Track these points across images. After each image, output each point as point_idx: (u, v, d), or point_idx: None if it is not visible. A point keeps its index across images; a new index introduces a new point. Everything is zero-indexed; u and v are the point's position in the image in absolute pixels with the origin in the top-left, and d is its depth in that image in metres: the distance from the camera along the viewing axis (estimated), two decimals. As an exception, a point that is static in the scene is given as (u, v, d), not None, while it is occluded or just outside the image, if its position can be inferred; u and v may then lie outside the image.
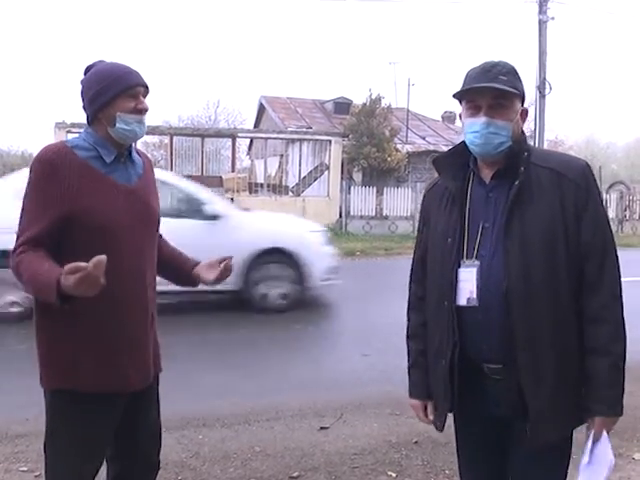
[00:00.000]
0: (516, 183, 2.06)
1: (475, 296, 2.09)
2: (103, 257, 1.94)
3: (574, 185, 2.06)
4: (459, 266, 2.14)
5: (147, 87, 2.37)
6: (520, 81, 2.14)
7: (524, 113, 2.17)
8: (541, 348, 2.05)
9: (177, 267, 2.69)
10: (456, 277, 2.13)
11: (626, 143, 57.02)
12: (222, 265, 2.58)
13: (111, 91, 2.26)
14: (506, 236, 2.06)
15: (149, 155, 2.71)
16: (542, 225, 2.04)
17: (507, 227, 2.06)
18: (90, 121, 2.34)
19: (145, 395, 2.50)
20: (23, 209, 2.25)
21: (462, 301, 2.11)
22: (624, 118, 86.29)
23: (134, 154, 2.45)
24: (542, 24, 19.90)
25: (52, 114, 57.51)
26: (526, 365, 2.05)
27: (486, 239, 2.11)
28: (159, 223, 2.55)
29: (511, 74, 2.10)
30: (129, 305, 2.34)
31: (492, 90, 2.05)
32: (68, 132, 17.11)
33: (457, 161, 2.24)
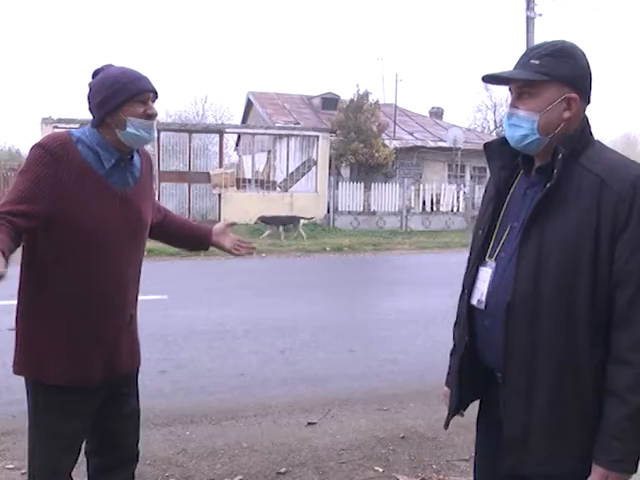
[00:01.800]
0: (547, 185, 1.84)
1: (484, 299, 1.98)
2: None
3: (616, 197, 1.75)
4: (481, 264, 2.03)
5: (156, 93, 2.40)
6: (566, 63, 1.86)
7: (570, 101, 1.87)
8: (537, 376, 1.86)
9: (189, 235, 2.88)
10: (476, 274, 2.04)
11: (612, 140, 57.27)
12: (245, 245, 2.90)
13: (121, 96, 2.28)
14: (522, 243, 1.87)
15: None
16: (565, 237, 1.80)
17: (526, 232, 1.87)
18: (97, 124, 2.34)
19: (122, 389, 2.54)
20: (13, 183, 2.23)
21: (474, 300, 2.03)
22: (610, 114, 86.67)
23: (135, 157, 2.46)
24: (530, 20, 19.94)
25: (39, 110, 57.20)
26: (514, 388, 1.90)
27: (509, 240, 1.95)
28: (148, 228, 2.55)
29: (551, 56, 1.85)
30: (104, 307, 2.36)
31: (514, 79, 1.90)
32: (55, 127, 16.96)
33: (511, 150, 1.99)
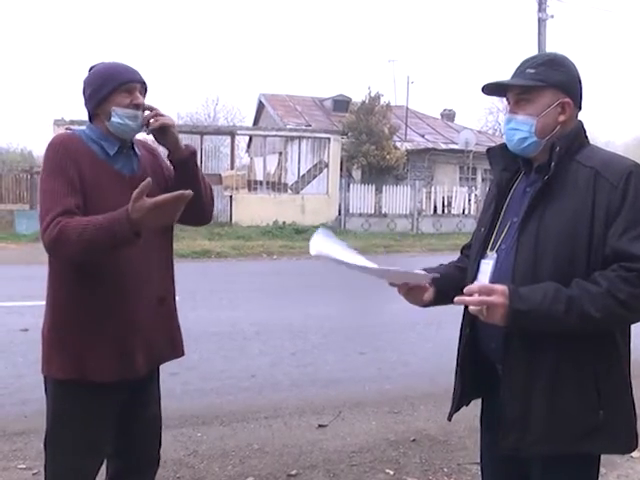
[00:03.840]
0: (545, 179, 1.96)
1: None
2: (188, 192, 2.02)
3: (609, 186, 1.88)
4: (482, 257, 2.12)
5: (144, 83, 2.42)
6: (559, 72, 2.02)
7: (565, 105, 2.02)
8: (536, 358, 1.94)
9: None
10: (478, 267, 2.12)
11: (624, 142, 56.99)
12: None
13: (107, 87, 2.33)
14: (521, 233, 1.98)
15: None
16: (561, 225, 1.91)
17: (524, 223, 1.98)
18: (91, 118, 2.42)
19: (145, 389, 2.53)
20: (44, 190, 2.24)
21: None
22: (623, 117, 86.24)
23: (136, 149, 2.48)
24: (541, 22, 19.91)
25: (51, 111, 57.50)
26: (514, 371, 1.97)
27: (509, 234, 2.05)
28: None
29: (545, 66, 2.02)
30: (132, 291, 2.34)
31: (513, 86, 2.04)
32: (67, 129, 16.96)
33: (512, 153, 2.12)
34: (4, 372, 5.66)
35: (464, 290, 1.89)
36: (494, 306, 1.84)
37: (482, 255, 2.13)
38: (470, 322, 2.13)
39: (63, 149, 2.29)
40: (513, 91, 2.05)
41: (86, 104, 2.41)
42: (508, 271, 1.99)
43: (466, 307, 2.11)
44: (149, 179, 2.05)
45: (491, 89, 2.12)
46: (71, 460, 2.38)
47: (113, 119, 2.33)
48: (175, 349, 2.59)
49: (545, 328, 1.88)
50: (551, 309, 1.82)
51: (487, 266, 2.08)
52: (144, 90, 2.43)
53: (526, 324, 1.87)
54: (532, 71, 2.02)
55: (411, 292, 2.23)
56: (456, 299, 1.92)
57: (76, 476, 2.41)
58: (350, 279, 12.65)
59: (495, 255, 2.08)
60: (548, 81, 2.00)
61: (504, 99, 2.13)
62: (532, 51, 19.64)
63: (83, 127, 2.44)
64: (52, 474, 2.42)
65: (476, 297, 1.86)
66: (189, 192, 2.03)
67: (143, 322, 2.39)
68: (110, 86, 2.33)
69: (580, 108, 2.08)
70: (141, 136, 2.52)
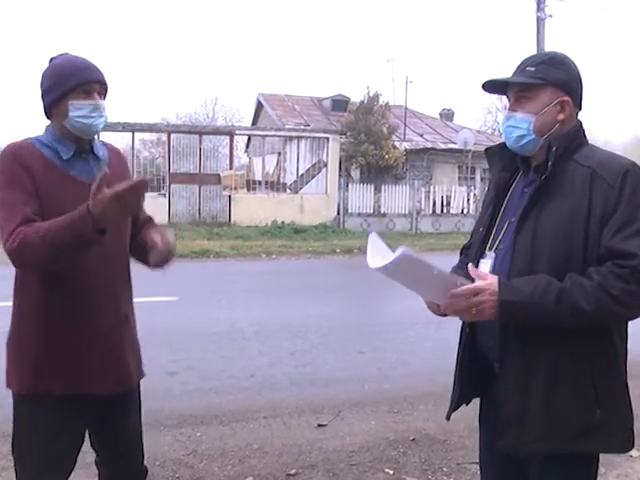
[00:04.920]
0: (542, 178, 1.97)
1: None
2: (148, 178, 1.91)
3: (606, 185, 1.88)
4: (481, 257, 2.13)
5: (103, 83, 2.29)
6: (559, 70, 2.02)
7: (564, 104, 2.02)
8: (533, 356, 1.94)
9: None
10: (477, 267, 2.09)
11: (623, 142, 57.00)
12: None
13: (62, 87, 2.20)
14: (519, 232, 1.99)
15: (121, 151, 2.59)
16: (557, 225, 1.91)
17: (521, 223, 1.99)
18: (45, 114, 2.29)
19: (123, 401, 2.42)
20: (1, 203, 2.13)
21: None
22: (621, 116, 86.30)
23: (97, 149, 2.34)
24: (540, 22, 19.91)
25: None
26: (512, 370, 1.97)
27: (507, 233, 2.06)
28: (128, 222, 2.38)
29: (545, 64, 2.02)
30: (96, 307, 2.25)
31: (513, 83, 2.05)
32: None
33: (510, 153, 2.13)
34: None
35: (449, 295, 1.89)
36: (482, 303, 1.86)
37: (481, 255, 2.13)
38: (470, 322, 2.12)
39: (13, 158, 2.16)
40: (513, 89, 2.06)
41: (41, 99, 2.26)
42: (505, 270, 1.99)
43: None
44: (105, 168, 1.96)
45: (491, 87, 2.13)
46: (29, 475, 2.29)
47: (71, 113, 2.20)
48: (137, 371, 2.45)
49: (537, 320, 1.88)
50: (542, 300, 1.83)
51: (485, 266, 2.09)
52: (104, 91, 2.29)
53: (516, 315, 1.88)
54: (532, 69, 2.02)
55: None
56: (445, 310, 1.96)
57: None
58: (348, 279, 12.59)
59: (493, 255, 2.09)
60: (548, 79, 2.00)
61: (503, 98, 2.14)
62: (531, 50, 19.65)
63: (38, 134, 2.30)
64: None
65: (462, 303, 1.88)
66: (148, 178, 1.95)
67: (105, 338, 2.28)
68: (66, 86, 2.19)
69: (580, 107, 2.08)
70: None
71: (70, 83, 2.20)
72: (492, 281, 1.89)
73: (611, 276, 1.81)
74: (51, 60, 2.31)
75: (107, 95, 2.32)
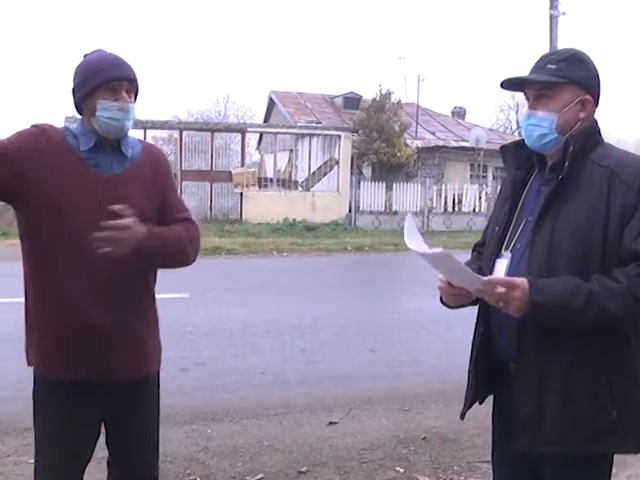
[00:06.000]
0: (559, 178, 1.96)
1: None
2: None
3: (624, 186, 1.88)
4: (497, 256, 2.11)
5: (133, 81, 2.28)
6: (580, 68, 2.01)
7: (585, 102, 2.01)
8: (550, 357, 1.94)
9: None
10: (493, 266, 2.10)
11: (636, 140, 56.53)
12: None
13: (91, 83, 2.21)
14: (536, 232, 1.98)
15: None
16: (576, 224, 1.90)
17: (539, 222, 1.98)
18: (76, 109, 2.33)
19: (139, 390, 2.41)
20: None
21: None
22: (635, 114, 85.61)
23: (127, 146, 2.33)
24: (553, 19, 19.80)
25: (63, 108, 57.70)
26: (528, 371, 1.97)
27: (524, 233, 2.04)
28: (141, 216, 2.26)
29: (566, 62, 2.00)
30: (87, 300, 2.23)
31: (534, 81, 2.02)
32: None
33: (526, 151, 2.12)
34: (15, 366, 5.68)
35: (487, 280, 1.88)
36: (512, 299, 1.85)
37: (497, 254, 2.12)
38: (485, 320, 2.13)
39: (35, 128, 2.24)
40: (533, 87, 2.03)
41: (72, 95, 2.29)
42: (523, 270, 1.97)
43: (481, 306, 2.11)
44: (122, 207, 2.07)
45: (510, 84, 2.10)
46: (48, 461, 2.34)
47: (98, 113, 2.21)
48: (137, 368, 2.38)
49: (561, 321, 1.87)
50: (571, 302, 1.82)
51: (502, 265, 2.07)
52: (133, 89, 2.29)
53: (543, 316, 1.86)
54: (553, 67, 1.99)
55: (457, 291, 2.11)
56: (476, 292, 1.92)
57: (51, 474, 2.35)
58: (359, 277, 12.60)
59: (510, 254, 2.07)
60: (570, 77, 1.99)
61: (515, 96, 2.13)
62: (544, 48, 19.57)
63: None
64: (35, 473, 2.39)
65: (499, 290, 1.85)
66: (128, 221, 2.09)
67: (96, 333, 2.25)
68: (94, 82, 2.20)
69: (598, 105, 2.06)
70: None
71: (98, 80, 2.20)
72: (524, 279, 1.87)
73: (638, 279, 1.82)
74: (85, 56, 2.32)
75: (138, 93, 2.33)
